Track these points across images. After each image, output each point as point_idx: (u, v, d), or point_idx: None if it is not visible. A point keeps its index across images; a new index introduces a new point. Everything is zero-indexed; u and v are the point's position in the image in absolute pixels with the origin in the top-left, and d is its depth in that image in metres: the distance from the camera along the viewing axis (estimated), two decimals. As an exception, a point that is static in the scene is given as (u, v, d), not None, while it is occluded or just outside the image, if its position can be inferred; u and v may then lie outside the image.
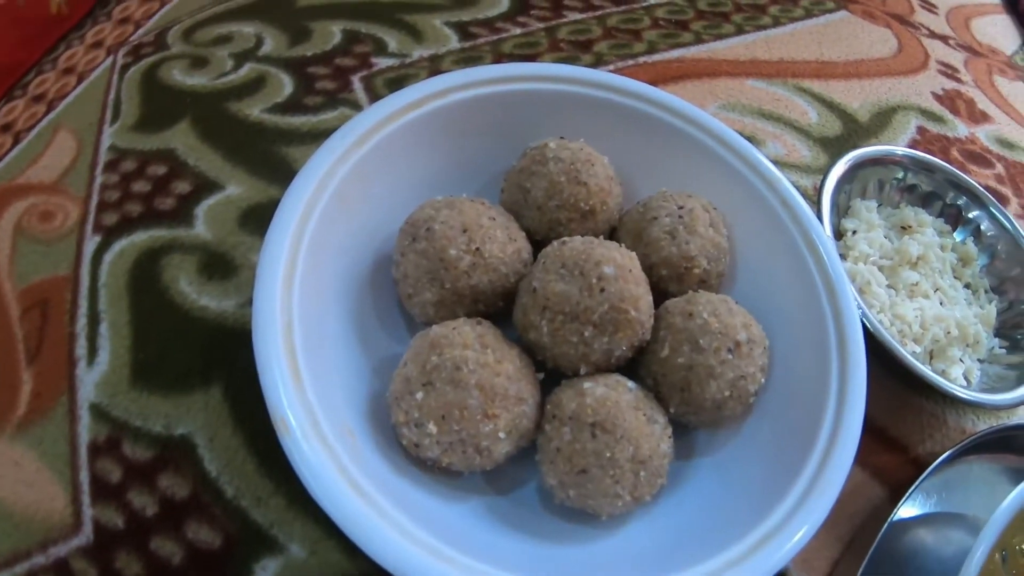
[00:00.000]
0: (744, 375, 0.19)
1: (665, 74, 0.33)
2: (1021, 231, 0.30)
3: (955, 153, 0.37)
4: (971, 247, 0.30)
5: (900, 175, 0.30)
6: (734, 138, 0.24)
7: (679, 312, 0.20)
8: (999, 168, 0.39)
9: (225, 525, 0.21)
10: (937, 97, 0.40)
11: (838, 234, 0.28)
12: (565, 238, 0.20)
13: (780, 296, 0.23)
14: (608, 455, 0.17)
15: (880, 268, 0.27)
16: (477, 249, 0.20)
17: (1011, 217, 0.30)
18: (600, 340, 0.19)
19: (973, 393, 0.24)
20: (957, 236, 0.31)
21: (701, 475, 0.21)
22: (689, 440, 0.22)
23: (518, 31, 0.33)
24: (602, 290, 0.18)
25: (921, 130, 0.37)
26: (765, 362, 0.20)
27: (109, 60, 0.32)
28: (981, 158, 0.39)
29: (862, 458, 0.24)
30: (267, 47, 0.31)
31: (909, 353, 0.25)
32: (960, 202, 0.31)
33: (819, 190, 0.26)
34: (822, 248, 0.22)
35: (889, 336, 0.23)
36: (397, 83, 0.29)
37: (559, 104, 0.24)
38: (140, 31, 0.34)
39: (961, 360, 0.26)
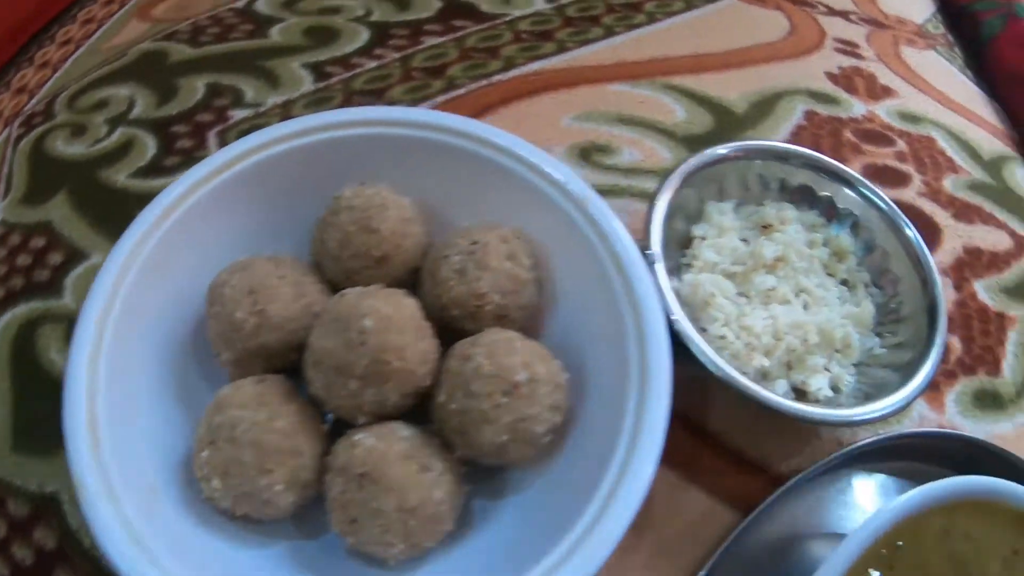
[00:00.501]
0: (525, 417, 0.19)
1: (520, 90, 0.32)
2: (902, 216, 0.28)
3: (847, 134, 0.35)
4: (845, 240, 0.28)
5: (764, 170, 0.28)
6: (545, 160, 0.24)
7: (458, 355, 0.20)
8: (901, 145, 0.36)
9: (85, 572, 0.22)
10: (831, 77, 0.37)
11: (686, 243, 0.27)
12: (345, 290, 0.20)
13: (592, 324, 0.22)
14: (374, 505, 0.18)
15: (732, 275, 0.26)
16: (261, 310, 0.20)
17: (890, 202, 0.28)
18: (368, 391, 0.19)
19: (814, 409, 0.23)
20: (834, 230, 0.29)
21: (507, 513, 0.21)
22: (502, 479, 0.21)
23: (373, 64, 0.33)
24: (362, 343, 0.19)
25: (809, 115, 0.35)
26: (559, 399, 0.20)
27: (5, 132, 0.34)
28: (880, 136, 0.36)
29: (711, 484, 0.24)
30: (137, 109, 0.33)
31: (757, 367, 0.24)
32: (832, 192, 0.29)
33: (652, 199, 0.25)
34: (629, 268, 0.22)
35: (715, 356, 0.22)
36: (248, 134, 0.29)
37: (366, 148, 0.24)
38: (33, 100, 0.35)
39: (827, 368, 0.25)
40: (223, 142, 0.30)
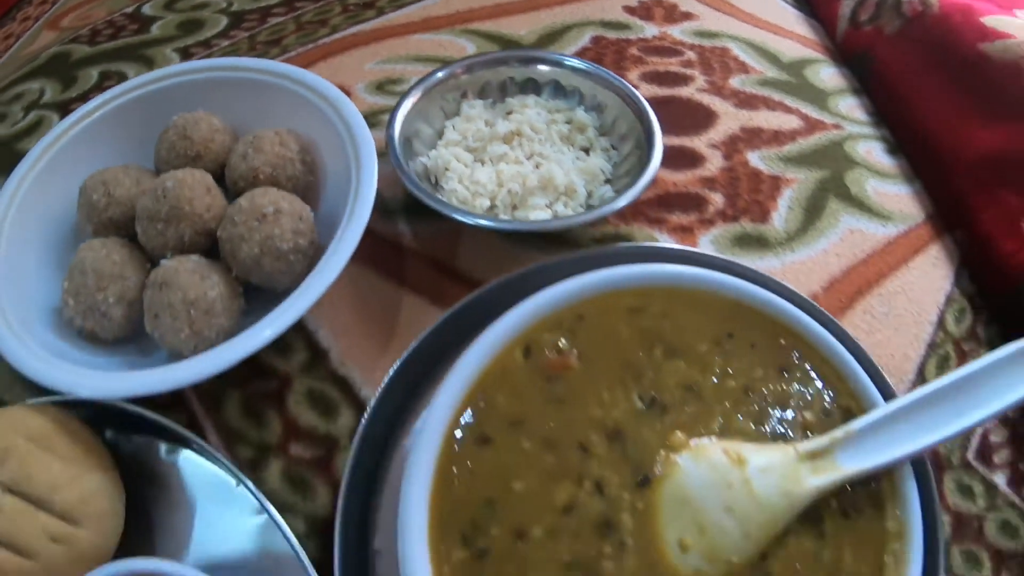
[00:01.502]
0: (271, 236, 0.34)
1: (338, 48, 0.51)
2: (641, 99, 0.43)
3: (632, 51, 0.51)
4: (582, 116, 0.44)
5: (513, 73, 0.45)
6: (319, 82, 0.40)
7: (234, 204, 0.35)
8: (689, 55, 0.52)
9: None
10: (628, 9, 0.53)
11: (440, 135, 0.43)
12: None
13: (332, 185, 0.38)
14: (167, 300, 0.33)
15: (473, 150, 0.42)
16: (110, 193, 0.37)
17: (633, 90, 0.43)
18: (170, 230, 0.35)
19: (502, 219, 0.38)
20: (577, 112, 0.44)
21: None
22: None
23: (226, 43, 0.51)
24: (164, 196, 0.35)
25: (596, 39, 0.51)
26: (302, 227, 0.36)
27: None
28: (667, 50, 0.51)
29: (423, 287, 0.39)
30: (46, 96, 0.53)
31: (482, 206, 0.39)
32: (578, 84, 0.45)
33: (397, 103, 0.42)
34: (360, 140, 0.38)
35: (426, 192, 0.38)
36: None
37: (193, 89, 0.42)
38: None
39: (549, 207, 0.40)
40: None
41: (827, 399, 0.32)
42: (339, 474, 0.35)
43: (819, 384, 0.32)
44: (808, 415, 0.31)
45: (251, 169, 0.38)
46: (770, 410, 0.31)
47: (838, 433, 0.30)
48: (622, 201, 0.38)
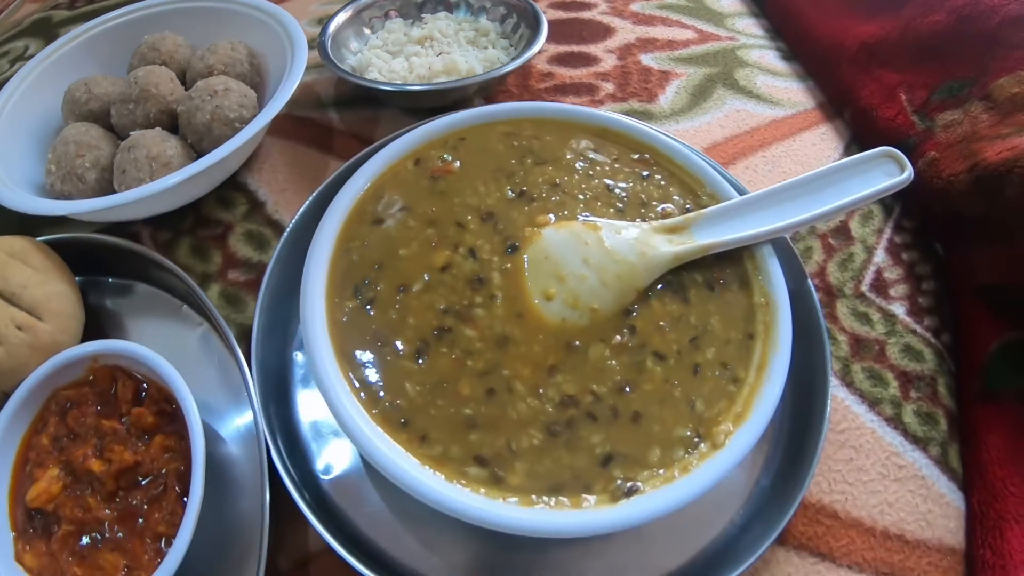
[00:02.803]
0: (220, 106, 0.43)
1: None
2: (539, 11, 0.52)
3: (543, -13, 0.61)
4: (484, 22, 0.54)
5: None
6: (266, 4, 0.51)
7: (192, 87, 0.45)
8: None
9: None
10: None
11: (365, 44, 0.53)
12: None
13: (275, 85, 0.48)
14: (133, 156, 0.42)
15: (393, 53, 0.51)
16: (90, 89, 0.47)
17: (535, 7, 0.53)
18: (139, 109, 0.45)
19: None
20: (482, 21, 0.54)
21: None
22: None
23: None
24: (135, 82, 0.45)
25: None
26: (246, 102, 0.45)
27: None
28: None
29: (347, 155, 0.46)
30: (30, 50, 0.64)
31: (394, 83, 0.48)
32: (483, 2, 0.56)
33: (330, 18, 0.53)
34: (295, 39, 0.48)
35: (351, 74, 0.48)
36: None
37: (166, 16, 0.52)
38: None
39: None
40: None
41: (686, 198, 0.39)
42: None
43: (678, 187, 0.39)
44: (668, 207, 0.39)
45: (207, 66, 0.48)
46: (630, 202, 0.38)
47: (692, 215, 0.38)
48: (512, 64, 0.47)
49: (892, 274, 0.46)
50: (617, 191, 0.38)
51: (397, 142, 0.40)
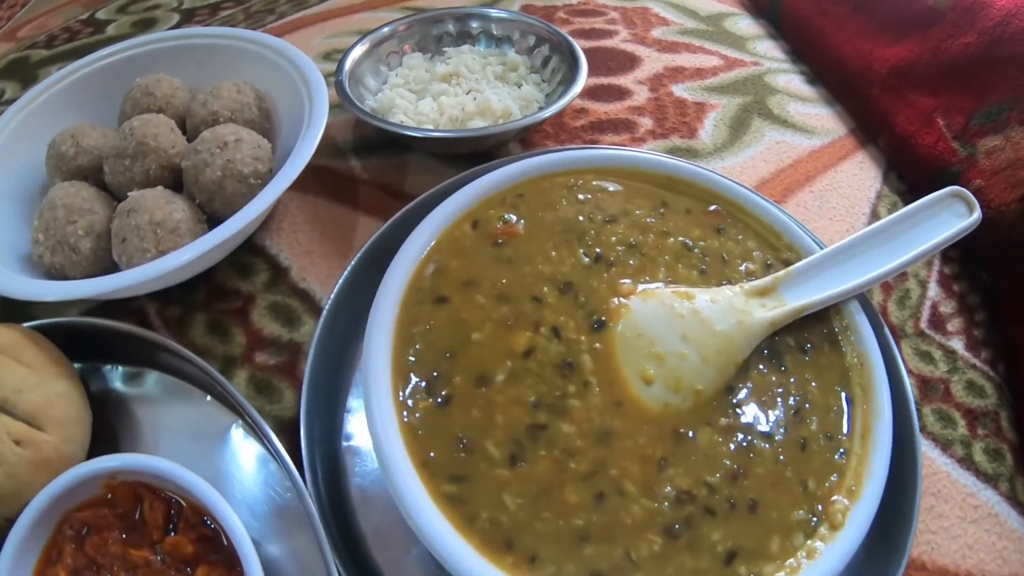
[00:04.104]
0: (232, 160, 0.38)
1: (286, 29, 0.59)
2: (571, 41, 0.49)
3: (560, 14, 0.59)
4: (513, 55, 0.50)
5: (449, 28, 0.51)
6: (271, 40, 0.45)
7: (197, 138, 0.39)
8: (612, 15, 0.59)
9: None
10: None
11: (384, 83, 0.49)
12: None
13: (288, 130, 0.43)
14: (134, 223, 0.36)
15: (416, 91, 0.47)
16: (78, 143, 0.41)
17: (567, 37, 0.49)
18: (136, 165, 0.39)
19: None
20: (508, 54, 0.51)
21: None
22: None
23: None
24: (131, 134, 0.39)
25: (525, 8, 0.58)
26: (260, 154, 0.40)
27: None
28: (591, 12, 0.60)
29: (376, 210, 0.44)
30: (7, 95, 0.57)
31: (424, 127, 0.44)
32: (507, 32, 0.52)
33: (345, 54, 0.48)
34: (311, 79, 0.43)
35: (376, 117, 0.43)
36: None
37: (155, 56, 0.47)
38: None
39: None
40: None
41: (766, 253, 0.36)
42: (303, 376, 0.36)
43: (755, 240, 0.37)
44: (750, 266, 0.36)
45: (211, 113, 0.42)
46: (712, 262, 0.35)
47: (780, 273, 0.35)
48: (552, 109, 0.43)
49: (947, 308, 0.44)
50: (696, 250, 0.35)
51: (448, 202, 0.35)
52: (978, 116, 0.49)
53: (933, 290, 0.45)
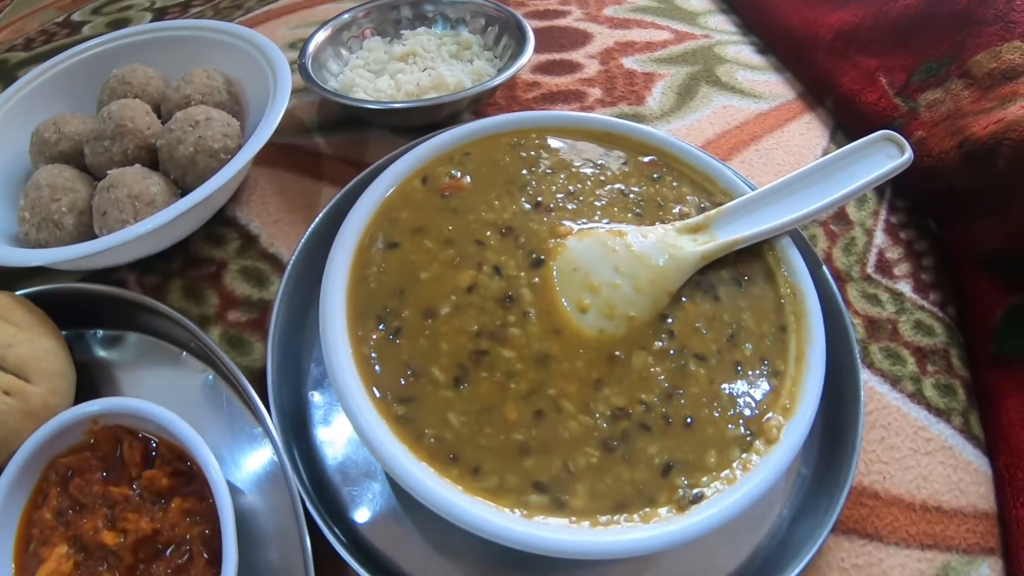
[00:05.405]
0: (204, 136, 0.41)
1: (254, 22, 0.61)
2: (521, 20, 0.52)
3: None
4: (466, 34, 0.53)
5: (406, 12, 0.54)
6: (237, 28, 0.49)
7: (171, 119, 0.42)
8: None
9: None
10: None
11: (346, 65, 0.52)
12: (109, 107, 0.44)
13: (256, 112, 0.46)
14: (114, 196, 0.39)
15: (375, 71, 0.50)
16: (60, 129, 0.44)
17: (517, 16, 0.52)
18: (115, 146, 0.42)
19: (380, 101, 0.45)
20: (462, 33, 0.54)
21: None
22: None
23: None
24: (110, 117, 0.42)
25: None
26: (229, 131, 0.43)
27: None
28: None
29: (339, 180, 0.46)
30: None
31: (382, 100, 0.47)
32: (460, 14, 0.55)
33: (306, 41, 0.51)
34: (276, 63, 0.46)
35: (338, 94, 0.47)
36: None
37: (130, 49, 0.50)
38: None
39: None
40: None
41: (700, 197, 0.39)
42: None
43: (690, 187, 0.39)
44: (684, 208, 0.38)
45: (184, 97, 0.45)
46: (647, 206, 0.38)
47: (712, 212, 0.37)
48: (502, 77, 0.46)
49: (893, 254, 0.47)
50: (632, 195, 0.38)
51: (400, 161, 0.39)
52: (919, 72, 0.52)
53: (880, 238, 0.47)
